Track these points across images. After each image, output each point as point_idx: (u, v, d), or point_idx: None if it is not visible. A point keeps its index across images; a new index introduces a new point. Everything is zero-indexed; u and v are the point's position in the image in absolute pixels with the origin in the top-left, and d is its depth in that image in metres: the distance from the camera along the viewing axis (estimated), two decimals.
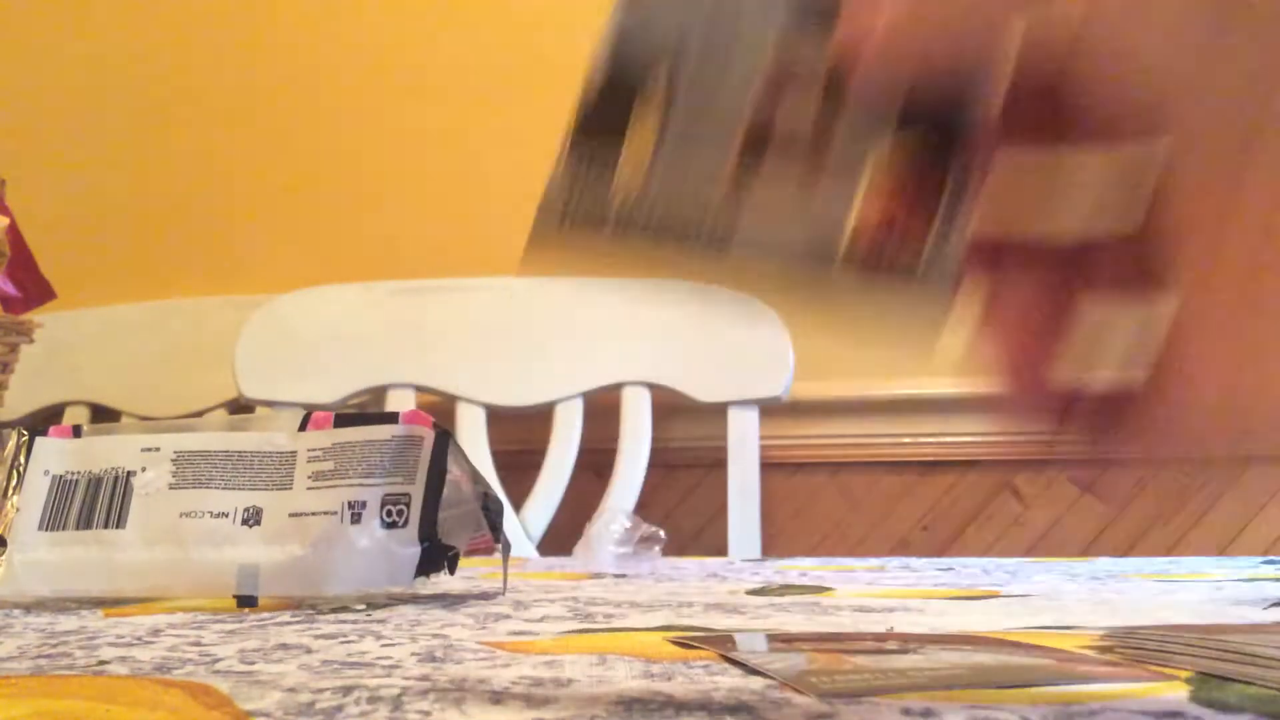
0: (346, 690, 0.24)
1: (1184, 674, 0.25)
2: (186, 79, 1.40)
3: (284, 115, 1.37)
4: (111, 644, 0.32)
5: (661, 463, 1.20)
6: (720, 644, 0.30)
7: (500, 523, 0.47)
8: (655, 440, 1.15)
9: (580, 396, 1.15)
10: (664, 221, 0.23)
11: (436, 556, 0.45)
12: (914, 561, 0.73)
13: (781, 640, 0.32)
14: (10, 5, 1.44)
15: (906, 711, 0.21)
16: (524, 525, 1.12)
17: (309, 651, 0.30)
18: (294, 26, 1.38)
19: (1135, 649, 0.28)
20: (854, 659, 0.27)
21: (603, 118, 0.23)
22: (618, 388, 1.15)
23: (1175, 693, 0.23)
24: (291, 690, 0.24)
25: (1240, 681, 0.24)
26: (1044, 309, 0.23)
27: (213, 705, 0.23)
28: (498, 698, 0.23)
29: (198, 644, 0.32)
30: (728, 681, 0.25)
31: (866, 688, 0.23)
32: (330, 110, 1.36)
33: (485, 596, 0.47)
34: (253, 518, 0.44)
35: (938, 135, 0.22)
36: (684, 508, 1.25)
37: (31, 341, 0.69)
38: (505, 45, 1.33)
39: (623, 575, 0.60)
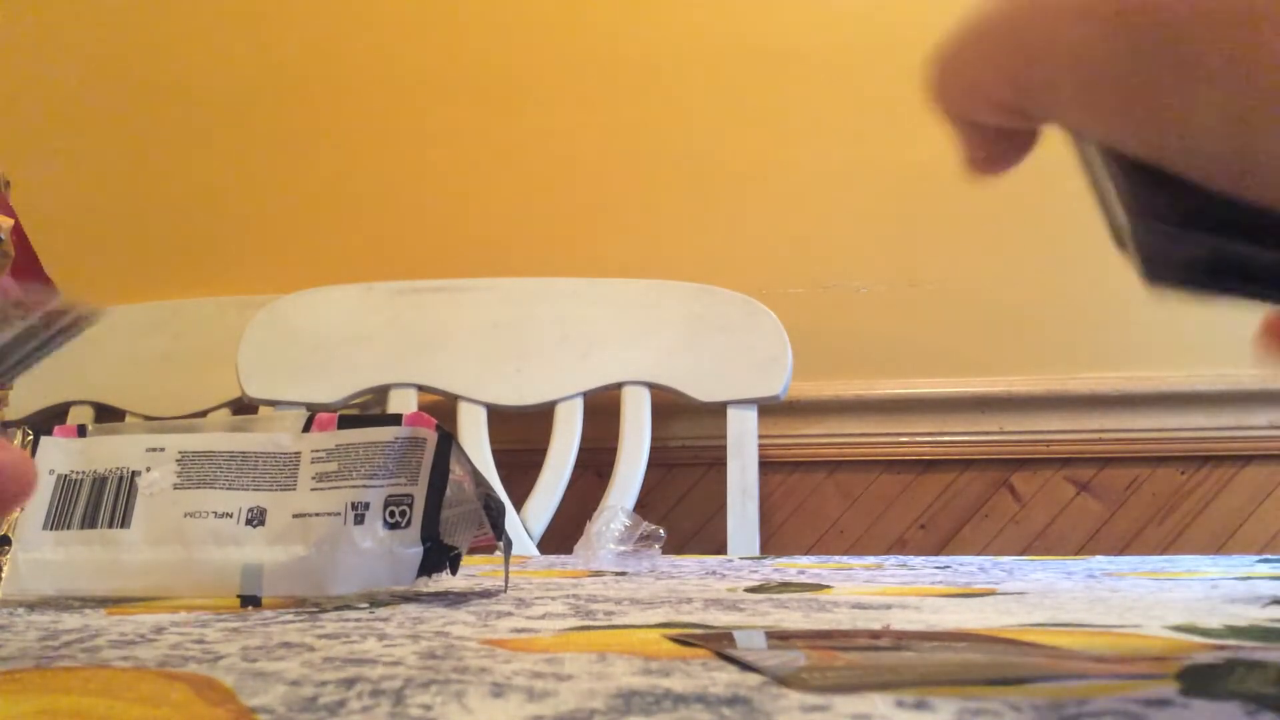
0: (349, 684, 0.25)
1: (1177, 669, 0.25)
2: (190, 80, 1.40)
3: (287, 116, 1.38)
4: (114, 642, 0.33)
5: (661, 462, 1.21)
6: (718, 641, 0.30)
7: (502, 522, 0.48)
8: (655, 439, 1.15)
9: (580, 396, 1.15)
10: None
11: (439, 556, 0.45)
12: (911, 559, 0.73)
13: (778, 637, 0.32)
14: (12, 6, 1.44)
15: (900, 704, 0.21)
16: (525, 524, 1.12)
17: (311, 650, 0.31)
18: (296, 27, 1.38)
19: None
20: (847, 656, 0.27)
21: None
22: (618, 387, 1.15)
23: (1166, 687, 0.23)
24: (295, 684, 0.25)
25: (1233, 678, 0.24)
26: None
27: (216, 701, 0.24)
28: (499, 691, 0.24)
29: (201, 641, 0.33)
30: (725, 677, 0.25)
31: (856, 684, 0.23)
32: (332, 111, 1.37)
33: (487, 594, 0.47)
34: (257, 518, 0.44)
35: None
36: (683, 506, 1.25)
37: None
38: (506, 46, 1.34)
39: (623, 573, 0.61)
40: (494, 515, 0.47)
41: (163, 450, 0.46)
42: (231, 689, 0.25)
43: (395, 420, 0.45)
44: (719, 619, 0.38)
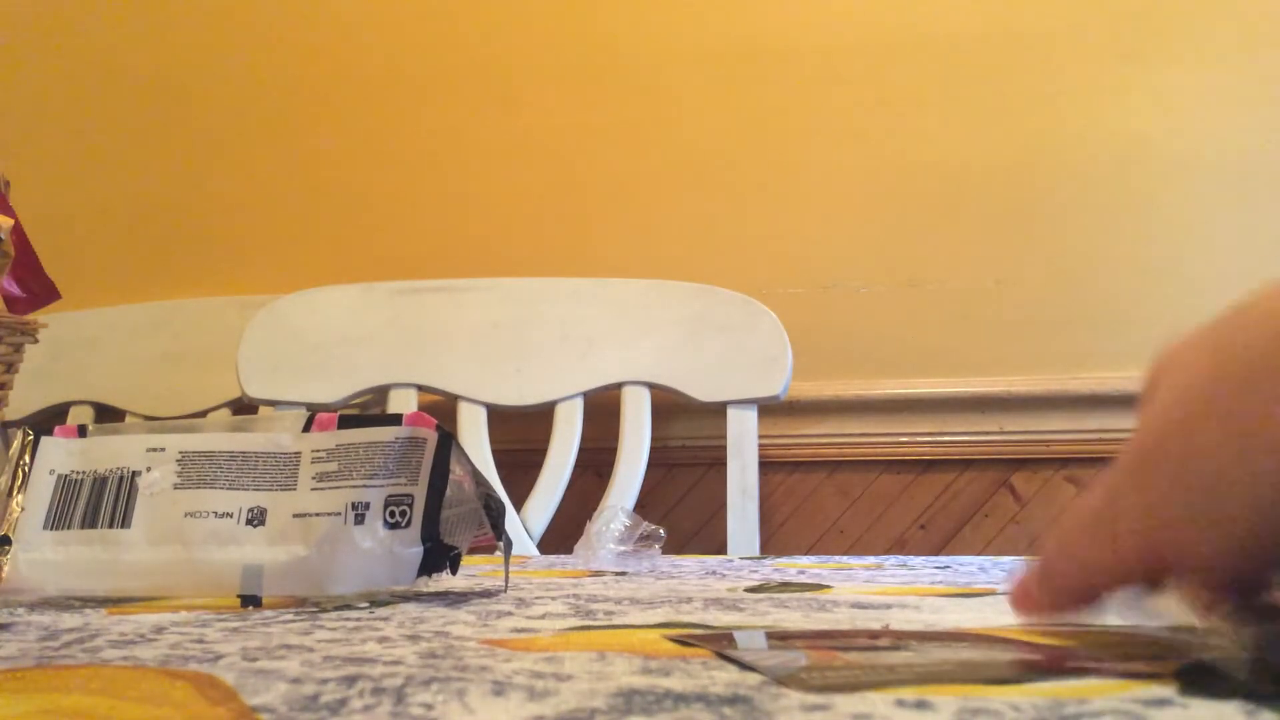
0: (350, 682, 0.25)
1: (1176, 669, 0.25)
2: (190, 79, 1.40)
3: (286, 116, 1.38)
4: (114, 642, 0.33)
5: (661, 462, 1.21)
6: (718, 641, 0.31)
7: (502, 522, 0.48)
8: (655, 439, 1.15)
9: (580, 396, 1.15)
10: None
11: (439, 556, 0.45)
12: (911, 559, 0.73)
13: (778, 638, 0.32)
14: (13, 6, 1.44)
15: (900, 704, 0.22)
16: (525, 524, 1.12)
17: (311, 649, 0.31)
18: (296, 28, 1.38)
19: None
20: (846, 656, 0.27)
21: None
22: (618, 387, 1.15)
23: (1164, 688, 0.24)
24: (296, 682, 0.25)
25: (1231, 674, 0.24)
26: None
27: (218, 700, 0.24)
28: (500, 690, 0.24)
29: (201, 641, 0.33)
30: (725, 676, 0.25)
31: (856, 684, 0.23)
32: (332, 111, 1.37)
33: (487, 594, 0.47)
34: (257, 518, 0.44)
35: None
36: (683, 506, 1.25)
37: (36, 341, 0.69)
38: (505, 46, 1.34)
39: (623, 573, 0.61)
40: (494, 515, 0.47)
41: (163, 450, 0.46)
42: (233, 688, 0.25)
43: (395, 420, 0.45)
44: (719, 619, 0.38)
